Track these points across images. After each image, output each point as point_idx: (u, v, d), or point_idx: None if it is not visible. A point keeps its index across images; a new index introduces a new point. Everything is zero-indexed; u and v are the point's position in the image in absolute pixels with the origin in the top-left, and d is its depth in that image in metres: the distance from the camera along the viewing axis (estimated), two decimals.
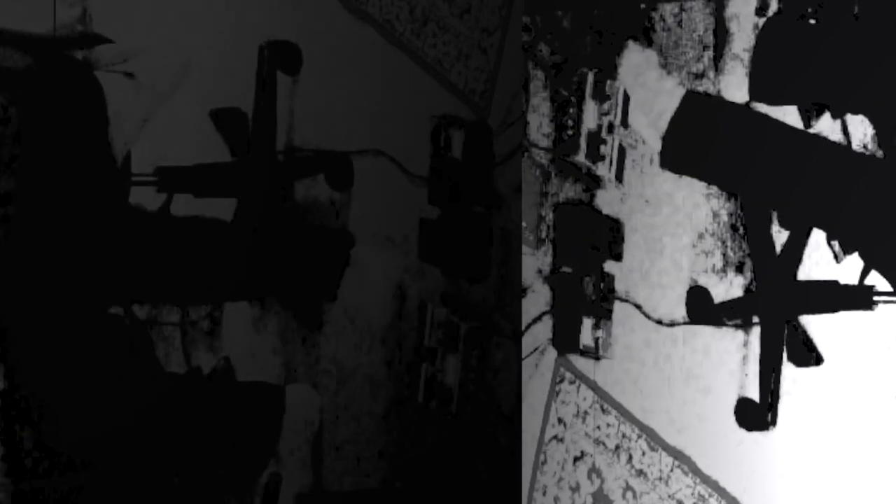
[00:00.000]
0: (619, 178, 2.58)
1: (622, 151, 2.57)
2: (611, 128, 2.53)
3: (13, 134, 2.09)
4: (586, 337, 2.58)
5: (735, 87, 2.45)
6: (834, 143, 2.33)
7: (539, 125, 2.69)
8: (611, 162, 2.55)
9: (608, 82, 2.53)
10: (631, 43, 2.55)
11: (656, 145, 2.52)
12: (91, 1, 2.19)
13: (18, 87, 2.09)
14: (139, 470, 2.27)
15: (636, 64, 2.55)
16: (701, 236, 2.53)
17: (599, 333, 2.58)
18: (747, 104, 2.42)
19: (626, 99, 2.55)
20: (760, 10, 2.42)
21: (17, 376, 2.10)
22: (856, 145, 2.33)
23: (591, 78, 2.53)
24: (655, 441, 2.55)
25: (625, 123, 2.55)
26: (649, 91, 2.54)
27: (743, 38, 2.46)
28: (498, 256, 2.89)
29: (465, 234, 2.79)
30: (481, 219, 2.81)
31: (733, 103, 2.44)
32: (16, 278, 2.12)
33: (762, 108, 2.43)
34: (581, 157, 2.51)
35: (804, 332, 2.37)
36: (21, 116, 2.10)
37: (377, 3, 2.66)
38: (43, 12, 2.14)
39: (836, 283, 2.33)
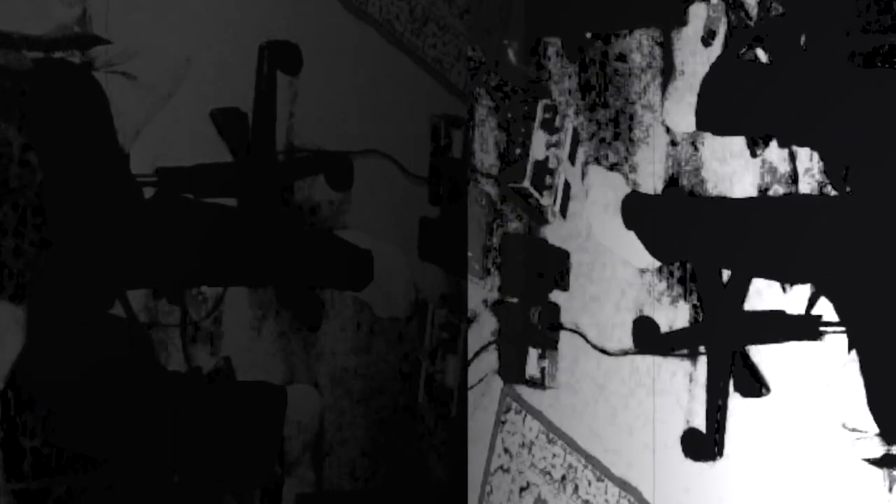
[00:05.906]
0: (564, 212, 2.59)
1: (567, 186, 2.58)
2: (558, 160, 2.54)
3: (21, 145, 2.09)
4: (532, 367, 2.57)
5: (681, 116, 2.47)
6: (775, 197, 2.36)
7: (486, 153, 2.70)
8: (556, 194, 2.56)
9: (557, 118, 2.54)
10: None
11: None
12: (91, 1, 2.19)
13: (20, 90, 2.09)
14: (139, 469, 2.27)
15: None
16: (648, 266, 2.53)
17: (545, 363, 2.57)
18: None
19: (576, 135, 2.56)
20: (706, 40, 2.44)
21: (17, 376, 2.10)
22: (802, 174, 2.35)
23: (540, 107, 2.53)
24: (602, 471, 2.54)
25: (572, 159, 2.56)
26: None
27: (689, 69, 2.47)
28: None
29: (465, 233, 2.79)
30: None
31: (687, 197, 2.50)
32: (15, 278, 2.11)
33: (709, 138, 2.46)
34: (527, 184, 2.51)
35: (751, 363, 2.38)
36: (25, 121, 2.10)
37: (377, 3, 2.66)
38: (43, 13, 2.14)
39: (782, 313, 2.34)
